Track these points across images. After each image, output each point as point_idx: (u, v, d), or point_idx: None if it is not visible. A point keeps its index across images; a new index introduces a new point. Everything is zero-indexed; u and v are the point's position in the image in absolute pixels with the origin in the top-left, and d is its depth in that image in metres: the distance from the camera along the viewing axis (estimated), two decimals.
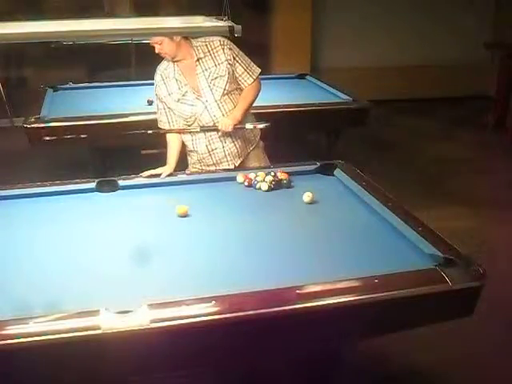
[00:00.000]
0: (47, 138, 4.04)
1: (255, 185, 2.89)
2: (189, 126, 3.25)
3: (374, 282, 1.97)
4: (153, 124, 4.00)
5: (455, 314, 2.13)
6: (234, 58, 3.21)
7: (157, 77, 3.26)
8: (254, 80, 3.27)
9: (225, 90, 3.19)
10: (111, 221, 2.56)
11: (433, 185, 5.15)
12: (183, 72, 3.21)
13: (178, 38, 3.11)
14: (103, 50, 6.34)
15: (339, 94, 4.73)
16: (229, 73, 3.19)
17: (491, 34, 7.80)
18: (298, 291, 1.92)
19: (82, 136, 4.07)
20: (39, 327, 1.74)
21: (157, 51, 3.15)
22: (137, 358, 1.80)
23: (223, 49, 3.18)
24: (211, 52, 3.18)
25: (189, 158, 3.40)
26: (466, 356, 2.97)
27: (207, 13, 3.02)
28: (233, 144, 3.30)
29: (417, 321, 2.11)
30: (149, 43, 3.18)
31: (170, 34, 3.26)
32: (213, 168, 3.30)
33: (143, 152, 4.32)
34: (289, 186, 2.91)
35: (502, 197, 4.89)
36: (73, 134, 4.05)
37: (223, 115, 3.20)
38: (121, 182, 2.88)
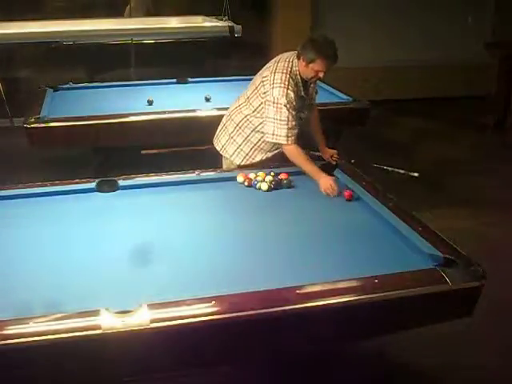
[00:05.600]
0: (47, 138, 4.04)
1: (255, 185, 2.89)
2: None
3: (374, 282, 1.98)
4: (153, 124, 4.02)
5: (455, 314, 2.13)
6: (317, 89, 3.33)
7: (289, 91, 3.07)
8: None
9: (306, 116, 3.27)
10: (111, 221, 2.56)
11: (433, 185, 5.14)
12: (303, 87, 3.18)
13: None
14: (103, 50, 6.33)
15: (339, 94, 4.73)
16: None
17: (491, 34, 7.80)
18: (297, 291, 1.92)
19: (82, 136, 4.08)
20: (39, 327, 1.74)
21: (321, 77, 3.11)
22: (137, 358, 1.81)
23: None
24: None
25: (252, 150, 3.34)
26: (466, 356, 2.96)
27: (207, 13, 3.02)
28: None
29: (417, 321, 2.11)
30: (149, 43, 3.17)
31: (170, 33, 3.27)
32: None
33: (143, 152, 4.33)
34: (289, 185, 2.91)
35: (501, 197, 4.88)
36: (73, 134, 4.05)
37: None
38: (121, 182, 2.88)
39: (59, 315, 1.78)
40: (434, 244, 2.21)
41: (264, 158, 3.30)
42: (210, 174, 3.11)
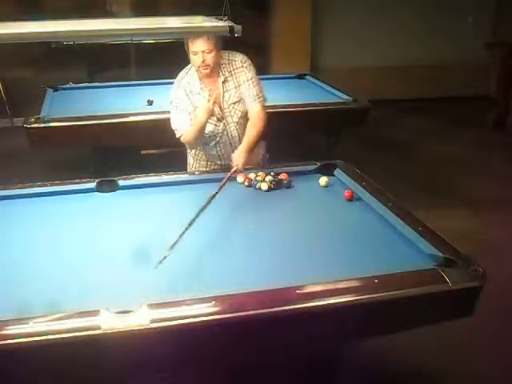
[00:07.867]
0: (47, 138, 4.05)
1: (255, 185, 2.89)
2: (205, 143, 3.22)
3: (374, 282, 1.97)
4: (153, 124, 4.03)
5: (455, 314, 2.13)
6: (251, 79, 3.12)
7: (179, 91, 3.11)
8: (260, 108, 3.12)
9: (242, 113, 3.14)
10: (111, 221, 2.56)
11: (433, 185, 5.15)
12: (208, 89, 3.08)
13: (219, 51, 3.02)
14: (103, 50, 6.34)
15: (339, 94, 4.73)
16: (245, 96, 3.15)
17: (491, 34, 7.81)
18: (297, 291, 1.92)
19: (82, 136, 4.08)
20: (39, 327, 1.74)
21: (201, 60, 2.97)
22: (137, 358, 1.81)
23: (243, 69, 3.11)
24: (233, 72, 3.12)
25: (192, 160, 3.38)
26: (467, 356, 2.97)
27: (207, 13, 3.02)
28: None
29: (417, 321, 2.11)
30: (149, 43, 3.18)
31: (170, 33, 3.26)
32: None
33: (143, 152, 4.33)
34: (289, 185, 2.91)
35: (501, 197, 4.89)
36: (73, 134, 4.06)
37: (239, 136, 3.15)
38: (121, 182, 2.88)
39: (59, 315, 1.78)
40: (433, 244, 2.21)
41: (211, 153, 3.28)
42: (210, 174, 3.11)
